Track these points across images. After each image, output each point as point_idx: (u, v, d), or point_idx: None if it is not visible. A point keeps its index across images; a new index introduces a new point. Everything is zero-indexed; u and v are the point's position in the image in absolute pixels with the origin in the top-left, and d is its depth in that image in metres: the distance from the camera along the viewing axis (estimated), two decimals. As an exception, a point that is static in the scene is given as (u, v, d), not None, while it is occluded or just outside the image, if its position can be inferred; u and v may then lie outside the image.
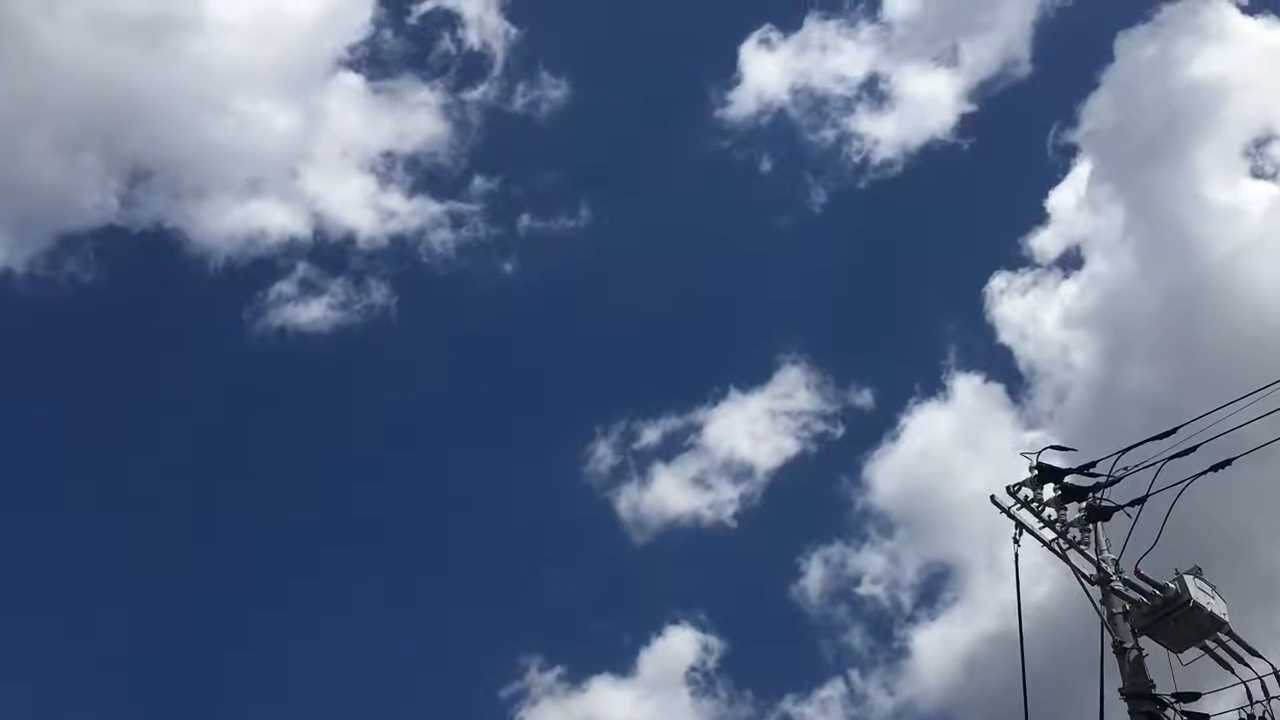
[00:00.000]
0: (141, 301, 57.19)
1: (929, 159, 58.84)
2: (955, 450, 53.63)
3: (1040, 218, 56.86)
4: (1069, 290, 54.70)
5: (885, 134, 58.89)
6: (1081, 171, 56.23)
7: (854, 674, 52.37)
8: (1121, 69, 55.37)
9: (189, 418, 55.18)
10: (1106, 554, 20.85)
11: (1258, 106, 52.62)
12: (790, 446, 54.04)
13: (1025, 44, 58.60)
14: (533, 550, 56.73)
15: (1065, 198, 56.55)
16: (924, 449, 53.58)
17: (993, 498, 21.81)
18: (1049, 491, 21.68)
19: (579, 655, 54.08)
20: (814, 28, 61.07)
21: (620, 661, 54.43)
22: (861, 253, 60.45)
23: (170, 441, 54.64)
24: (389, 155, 57.38)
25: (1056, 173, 57.84)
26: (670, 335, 59.46)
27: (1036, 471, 21.85)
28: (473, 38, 59.49)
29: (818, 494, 55.62)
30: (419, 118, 58.54)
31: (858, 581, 52.36)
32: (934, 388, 54.66)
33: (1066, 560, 20.98)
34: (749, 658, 53.87)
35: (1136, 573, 20.53)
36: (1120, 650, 19.77)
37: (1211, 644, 20.29)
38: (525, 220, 58.14)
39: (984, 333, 55.33)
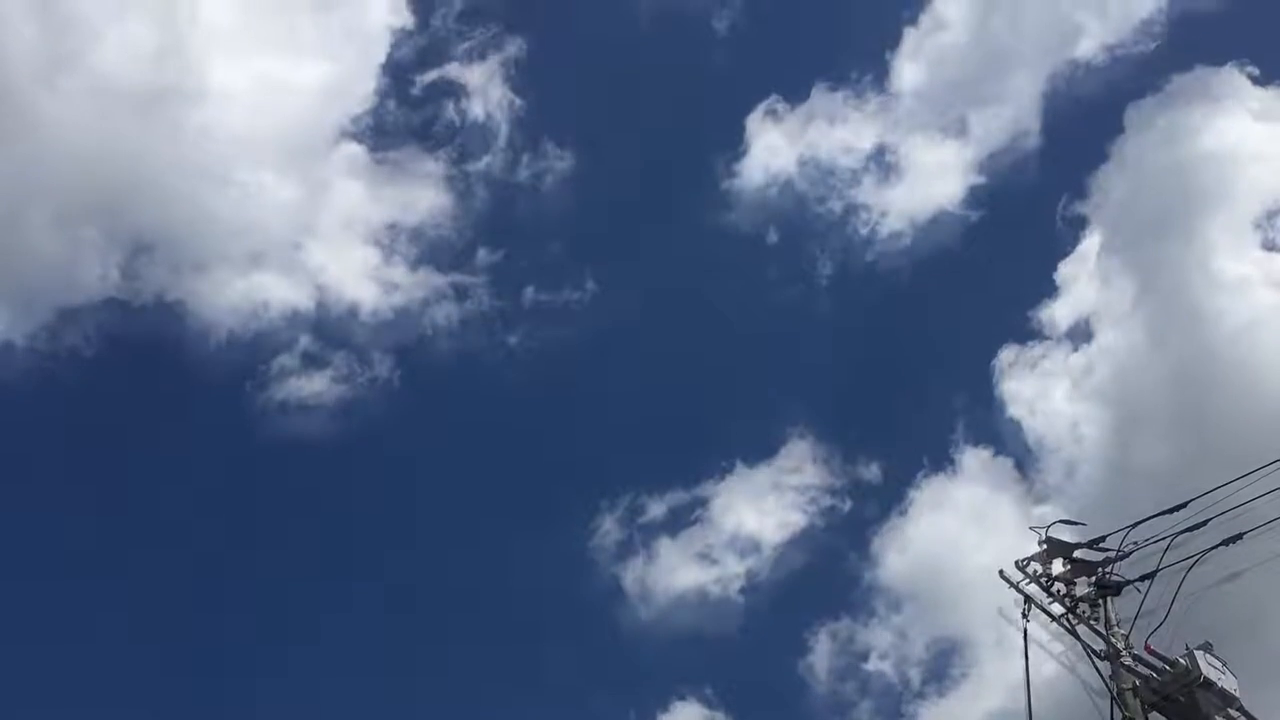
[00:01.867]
0: (143, 375, 56.82)
1: (937, 231, 58.58)
2: (964, 525, 53.15)
3: (1049, 290, 56.33)
4: (1078, 363, 54.30)
5: (893, 206, 58.59)
6: (1091, 243, 55.93)
7: (863, 750, 51.50)
8: (1131, 140, 55.24)
9: (191, 492, 54.72)
10: (1116, 629, 20.71)
11: (1269, 177, 52.50)
12: (797, 521, 53.46)
13: (1034, 115, 58.42)
14: (538, 625, 56.08)
15: (1074, 270, 56.10)
16: (932, 523, 53.04)
17: (1001, 573, 21.76)
18: (1058, 566, 21.63)
19: (586, 731, 53.33)
20: (821, 99, 60.90)
21: (627, 738, 53.67)
22: (869, 325, 60.29)
23: (171, 516, 54.12)
24: (393, 227, 57.18)
25: (1066, 245, 57.34)
26: (676, 408, 59.20)
27: (1046, 546, 21.85)
28: (477, 109, 59.50)
29: (825, 569, 54.97)
30: (423, 189, 58.35)
31: (865, 657, 51.59)
32: (942, 462, 53.92)
33: (1075, 635, 20.86)
34: (757, 734, 53.10)
35: (1147, 648, 20.40)
36: (1131, 727, 19.58)
37: (1223, 721, 20.09)
38: (530, 293, 57.87)
39: (993, 406, 54.87)
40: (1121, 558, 21.16)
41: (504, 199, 59.46)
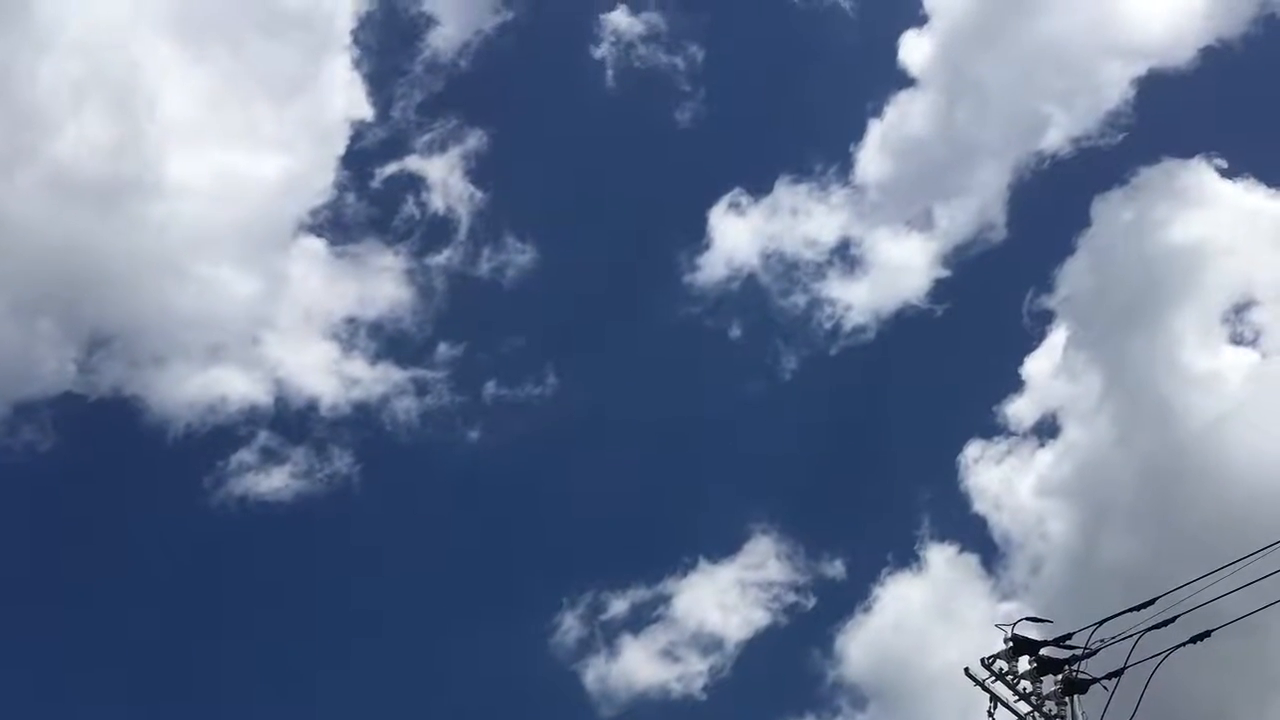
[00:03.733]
0: (100, 470, 56.32)
1: (902, 325, 58.56)
2: (929, 622, 52.77)
3: (1015, 385, 56.22)
4: (1045, 459, 54.14)
5: (857, 299, 58.52)
6: (1058, 338, 55.92)
7: None
8: (1098, 233, 55.32)
9: (148, 587, 54.26)
10: (1083, 728, 20.35)
11: (1237, 271, 52.57)
12: (761, 618, 53.04)
13: (1000, 208, 58.53)
14: (498, 722, 55.52)
15: (1041, 364, 56.07)
16: (897, 620, 52.65)
17: (967, 670, 21.50)
18: (1024, 664, 21.44)
19: (547, 831, 52.67)
20: (785, 191, 60.89)
21: (589, 838, 52.94)
22: (833, 420, 59.96)
23: (129, 611, 53.59)
24: (352, 321, 56.94)
25: (1032, 339, 57.33)
26: (638, 504, 58.75)
27: (1012, 643, 21.64)
28: (437, 202, 59.37)
29: (789, 666, 54.48)
30: (382, 283, 58.15)
31: (831, 756, 51.18)
32: (907, 558, 53.58)
33: (1042, 734, 20.48)
34: (721, 833, 52.45)
35: (1115, 747, 20.04)
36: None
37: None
38: (490, 387, 57.56)
39: (958, 502, 54.60)
40: (1088, 655, 20.99)
41: (465, 292, 59.33)
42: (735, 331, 59.52)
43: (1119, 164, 56.91)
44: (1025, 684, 21.27)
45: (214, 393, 54.12)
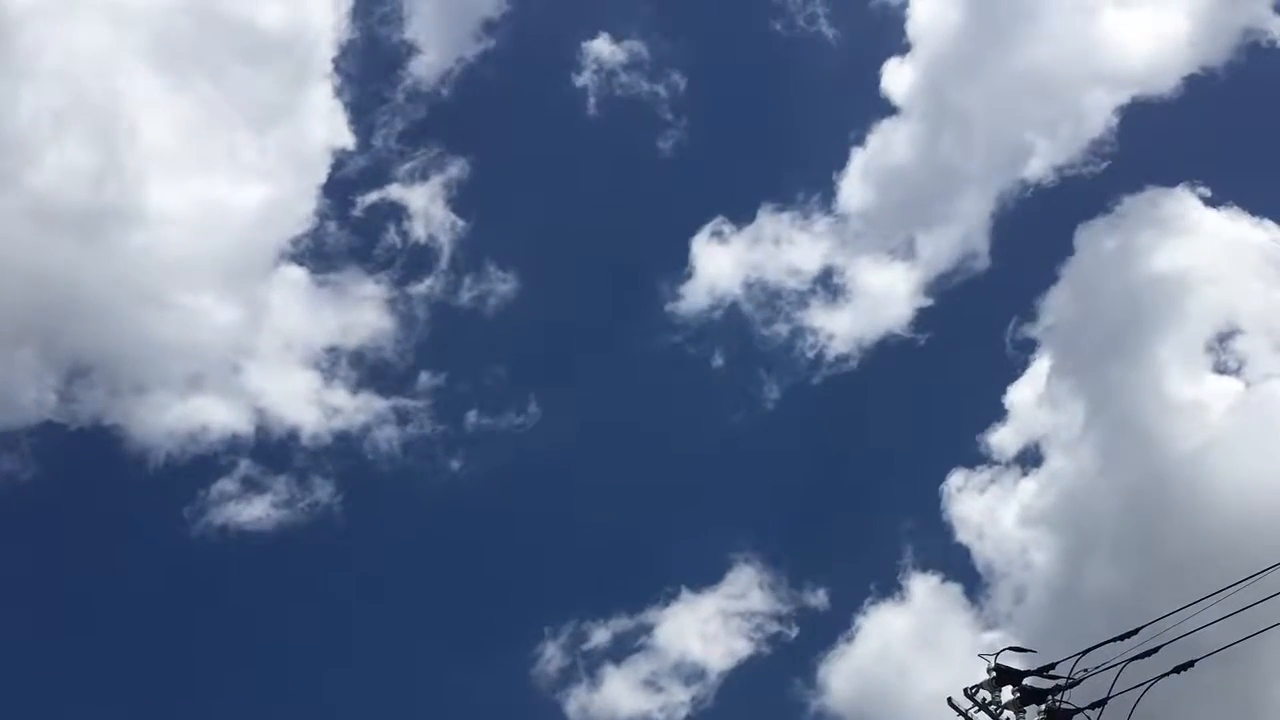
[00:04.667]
0: (80, 500, 56.05)
1: (885, 354, 58.55)
2: (912, 651, 52.61)
3: (998, 414, 56.17)
4: (1028, 488, 54.06)
5: (840, 328, 58.50)
6: (1041, 367, 55.89)
7: None
8: (1081, 262, 55.36)
9: (129, 617, 54.01)
10: (1067, 759, 20.24)
11: (1221, 300, 52.54)
12: (743, 648, 52.91)
13: (983, 237, 58.57)
14: (480, 754, 55.30)
15: (1024, 393, 56.04)
16: (880, 650, 52.50)
17: (950, 700, 21.37)
18: (1008, 694, 21.31)
19: None
20: (767, 220, 60.89)
21: None
22: (816, 449, 59.87)
23: (109, 641, 53.44)
24: (333, 350, 56.80)
25: (1015, 368, 57.30)
26: (620, 533, 58.53)
27: (995, 673, 21.49)
28: (418, 230, 59.30)
29: (771, 696, 54.28)
30: (364, 312, 58.05)
31: (813, 785, 51.03)
32: (890, 588, 53.47)
33: (1026, 766, 20.38)
34: None
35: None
36: None
37: None
38: (472, 417, 57.48)
39: (941, 531, 54.51)
40: (1072, 685, 20.88)
41: (446, 321, 59.28)
42: (718, 360, 59.49)
43: (1102, 192, 57.03)
44: (1008, 714, 21.13)
45: (195, 422, 54.05)
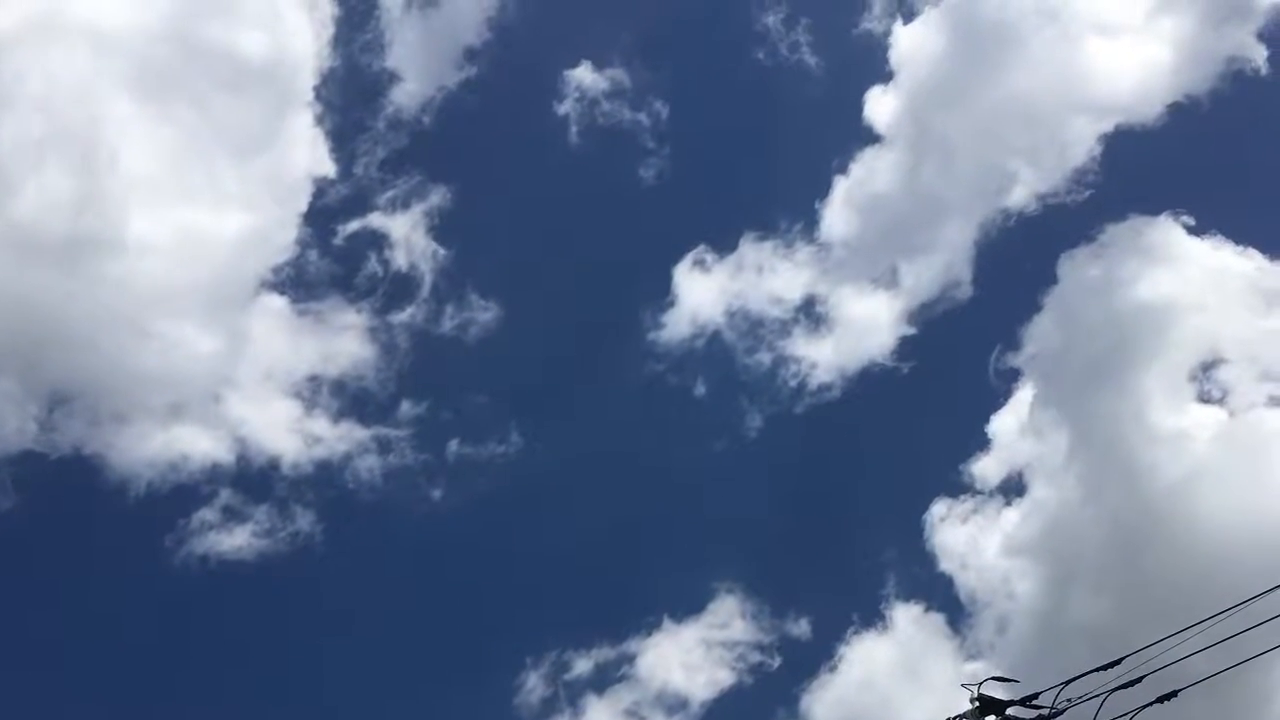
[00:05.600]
0: (61, 529, 55.84)
1: (867, 383, 58.49)
2: (894, 681, 52.44)
3: (981, 443, 56.12)
4: (1011, 518, 54.00)
5: (823, 357, 58.44)
6: (1024, 396, 55.85)
7: None
8: (1065, 291, 55.34)
9: (110, 647, 53.72)
10: (1050, 789, 20.12)
11: (1204, 329, 52.58)
12: (725, 678, 52.74)
13: (966, 265, 58.58)
14: (461, 784, 55.12)
15: (1007, 423, 55.99)
16: (863, 680, 52.32)
17: (932, 731, 21.15)
18: (990, 724, 21.05)
19: None
20: (749, 249, 60.85)
21: None
22: (798, 479, 59.76)
23: (91, 671, 53.12)
24: (314, 379, 56.66)
25: (998, 397, 57.26)
26: (603, 563, 58.34)
27: (978, 703, 21.46)
28: (400, 259, 59.21)
29: (754, 726, 54.22)
30: (345, 340, 57.93)
31: (795, 816, 50.90)
32: (873, 617, 53.35)
33: (1008, 797, 20.26)
34: None
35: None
36: None
37: None
38: (454, 446, 57.33)
39: (924, 561, 54.42)
40: (1055, 715, 20.85)
41: (428, 350, 59.16)
42: (700, 389, 59.41)
43: (1086, 221, 57.06)
44: (991, 745, 20.97)
45: (175, 451, 53.89)
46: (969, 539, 53.53)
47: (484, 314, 58.89)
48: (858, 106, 62.53)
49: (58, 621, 54.29)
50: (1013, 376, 56.34)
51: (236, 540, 53.24)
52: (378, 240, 59.44)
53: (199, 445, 54.30)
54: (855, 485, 59.42)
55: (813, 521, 58.48)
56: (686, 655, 53.01)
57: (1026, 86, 61.21)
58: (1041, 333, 55.74)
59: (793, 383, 58.10)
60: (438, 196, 60.37)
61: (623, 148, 63.63)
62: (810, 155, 64.75)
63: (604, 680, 52.39)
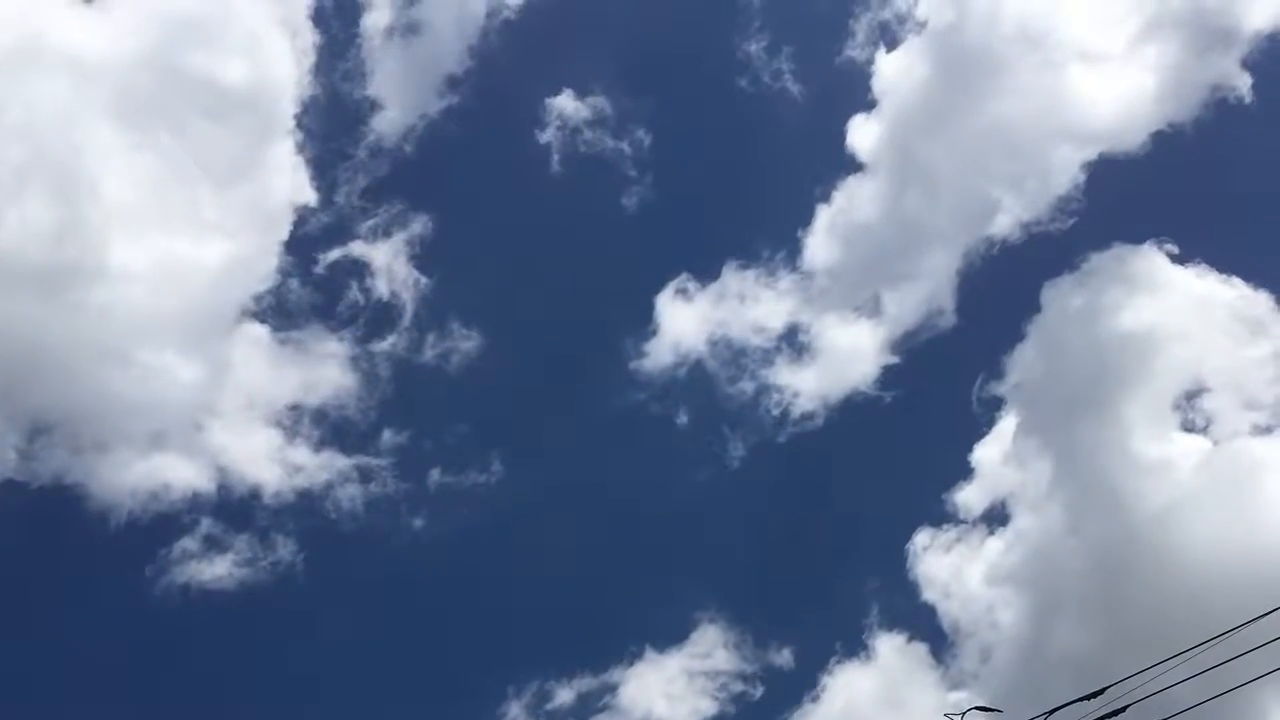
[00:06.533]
0: (41, 558, 55.56)
1: (850, 411, 58.45)
2: (877, 711, 52.28)
3: (965, 472, 56.06)
4: (994, 547, 53.94)
5: (805, 386, 58.40)
6: (1007, 425, 55.82)
7: None
8: (1048, 319, 55.39)
9: (90, 677, 53.39)
10: (1033, 822, 19.99)
11: (1188, 358, 52.60)
12: (708, 707, 52.60)
13: (949, 294, 58.59)
14: (444, 816, 54.90)
15: (990, 452, 55.94)
16: (845, 710, 52.14)
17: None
18: (972, 755, 20.94)
19: None
20: (732, 277, 60.86)
21: None
22: (781, 508, 59.61)
23: (71, 701, 52.74)
24: (295, 408, 56.54)
25: (981, 426, 57.20)
26: (585, 592, 58.12)
27: None
28: (381, 288, 59.16)
29: (736, 756, 54.07)
30: (326, 369, 57.83)
31: (778, 844, 50.78)
32: (855, 647, 53.23)
33: (990, 829, 20.13)
34: None
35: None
36: None
37: None
38: (435, 475, 57.22)
39: (907, 590, 54.33)
40: (1038, 746, 20.52)
41: (409, 379, 59.07)
42: (682, 418, 59.30)
43: (1069, 249, 57.12)
44: (973, 776, 20.85)
45: (156, 480, 53.72)
46: (952, 568, 53.48)
47: (466, 343, 58.88)
48: (840, 135, 62.66)
49: (38, 651, 54.06)
50: (996, 405, 56.34)
51: (218, 569, 53.13)
52: (359, 269, 59.42)
53: (180, 474, 54.18)
54: (838, 514, 59.34)
55: (795, 551, 58.40)
56: (669, 685, 52.89)
57: (1010, 115, 61.40)
58: (1025, 361, 55.81)
59: (775, 412, 58.08)
60: (419, 225, 60.43)
61: (605, 176, 63.71)
62: (793, 183, 64.78)
63: (586, 710, 52.26)
